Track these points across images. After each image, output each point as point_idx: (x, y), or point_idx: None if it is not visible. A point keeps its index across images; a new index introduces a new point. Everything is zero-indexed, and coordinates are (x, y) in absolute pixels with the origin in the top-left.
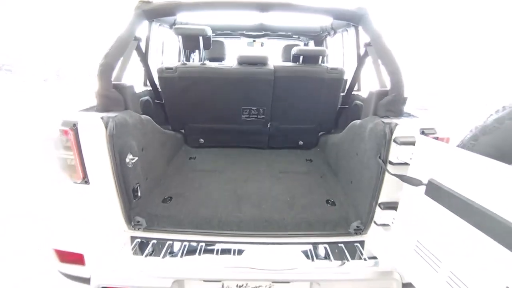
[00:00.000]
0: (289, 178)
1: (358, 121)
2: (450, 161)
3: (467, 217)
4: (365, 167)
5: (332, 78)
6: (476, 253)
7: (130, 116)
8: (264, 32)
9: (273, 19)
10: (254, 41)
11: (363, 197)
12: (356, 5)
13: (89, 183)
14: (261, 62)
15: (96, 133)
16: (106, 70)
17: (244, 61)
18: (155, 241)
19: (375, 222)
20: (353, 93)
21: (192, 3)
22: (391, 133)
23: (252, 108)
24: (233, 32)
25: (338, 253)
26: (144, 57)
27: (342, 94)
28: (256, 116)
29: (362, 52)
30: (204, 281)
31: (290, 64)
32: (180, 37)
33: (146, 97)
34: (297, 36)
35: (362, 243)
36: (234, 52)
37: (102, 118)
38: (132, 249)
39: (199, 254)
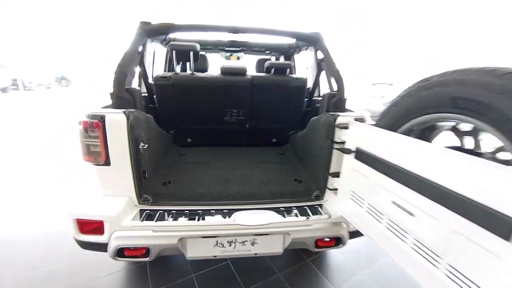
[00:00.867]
0: (266, 166)
1: (315, 117)
2: (367, 135)
3: (377, 167)
4: (320, 148)
5: (297, 86)
6: (382, 189)
7: (140, 113)
8: (241, 48)
9: (249, 37)
10: (231, 55)
11: (320, 170)
12: (313, 30)
13: (110, 165)
14: (240, 72)
15: (120, 124)
16: (120, 77)
17: (226, 72)
18: (161, 211)
19: (328, 188)
20: (314, 98)
21: (182, 25)
22: (335, 121)
23: (234, 110)
24: (214, 47)
25: (304, 213)
26: (144, 67)
27: (306, 99)
28: (237, 117)
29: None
30: (202, 237)
31: (264, 74)
32: (174, 51)
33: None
34: (269, 52)
35: (321, 206)
36: (215, 64)
37: (124, 112)
38: (143, 218)
39: (198, 220)
